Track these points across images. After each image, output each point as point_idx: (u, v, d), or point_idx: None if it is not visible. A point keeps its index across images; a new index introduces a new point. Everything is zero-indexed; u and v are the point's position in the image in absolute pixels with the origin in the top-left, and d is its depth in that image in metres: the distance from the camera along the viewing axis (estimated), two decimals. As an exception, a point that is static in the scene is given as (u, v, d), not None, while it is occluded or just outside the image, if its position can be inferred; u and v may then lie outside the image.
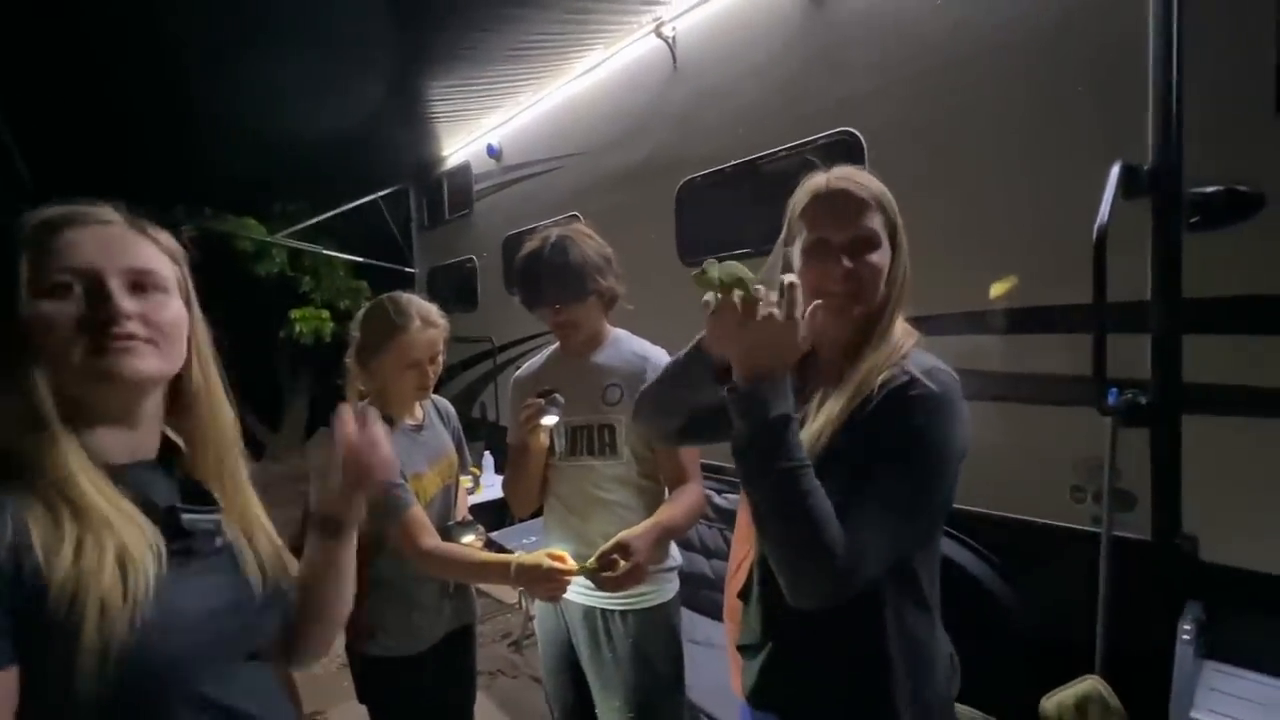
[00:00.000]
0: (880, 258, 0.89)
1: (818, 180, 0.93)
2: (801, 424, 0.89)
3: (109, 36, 2.96)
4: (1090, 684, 1.46)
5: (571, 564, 1.33)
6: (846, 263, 0.88)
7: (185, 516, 0.69)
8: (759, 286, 0.81)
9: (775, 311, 0.79)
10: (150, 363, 0.67)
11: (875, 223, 0.89)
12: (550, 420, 1.42)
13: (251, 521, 0.79)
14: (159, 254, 0.76)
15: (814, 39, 2.39)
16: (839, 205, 0.90)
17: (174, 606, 0.63)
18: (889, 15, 2.14)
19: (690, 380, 0.99)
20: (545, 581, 1.30)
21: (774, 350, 0.80)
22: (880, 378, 0.85)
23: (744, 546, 1.13)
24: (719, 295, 0.81)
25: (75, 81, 3.35)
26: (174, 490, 0.73)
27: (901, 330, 0.92)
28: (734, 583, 1.16)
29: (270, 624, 0.78)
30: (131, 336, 0.65)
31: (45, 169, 4.45)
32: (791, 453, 0.78)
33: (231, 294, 6.76)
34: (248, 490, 0.82)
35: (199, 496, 0.74)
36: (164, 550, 0.64)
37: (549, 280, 1.43)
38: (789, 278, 0.82)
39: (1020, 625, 1.81)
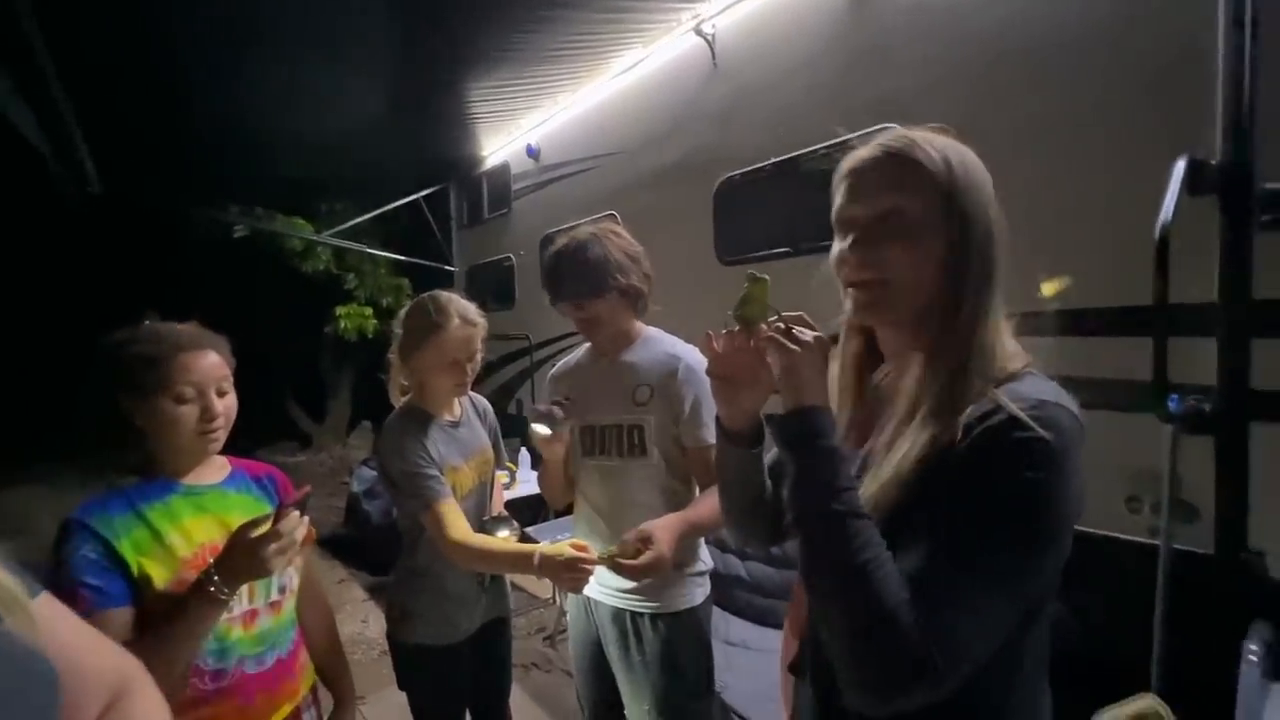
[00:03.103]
0: (919, 239, 0.69)
1: (859, 149, 0.76)
2: (864, 470, 0.74)
3: (172, 45, 3.10)
4: (1148, 702, 1.39)
5: (594, 553, 1.33)
6: (858, 250, 0.71)
7: None
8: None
9: (806, 333, 0.73)
10: None
11: (918, 195, 0.69)
12: (542, 430, 1.45)
13: None
14: None
15: (858, 34, 2.34)
16: (866, 175, 0.72)
17: None
18: (937, 8, 2.08)
19: (730, 462, 0.88)
20: (568, 570, 1.31)
21: (810, 372, 0.71)
22: (968, 415, 0.65)
23: (801, 609, 0.95)
24: (752, 323, 0.76)
25: (139, 86, 3.52)
26: None
27: (1007, 349, 0.71)
28: (786, 649, 1.03)
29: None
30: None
31: (110, 171, 4.69)
32: (842, 493, 0.65)
33: (281, 291, 7.06)
34: None
35: None
36: None
37: (569, 276, 1.44)
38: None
39: (1069, 639, 1.74)
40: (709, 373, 0.83)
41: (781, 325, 0.74)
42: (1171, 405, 1.46)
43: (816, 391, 0.71)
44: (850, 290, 0.75)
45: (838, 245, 0.76)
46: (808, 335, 0.73)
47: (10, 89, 2.95)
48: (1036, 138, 1.82)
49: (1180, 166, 1.41)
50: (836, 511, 0.64)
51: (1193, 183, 1.43)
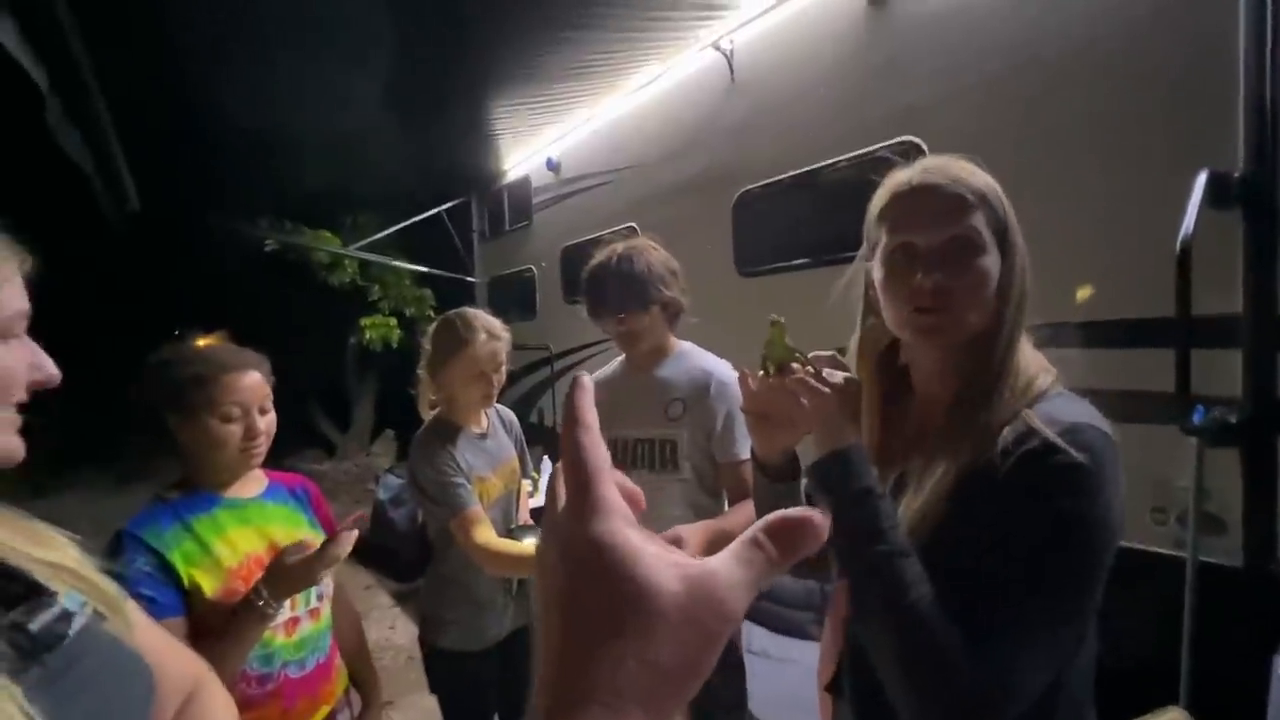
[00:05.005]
0: (984, 265, 0.71)
1: (900, 175, 0.76)
2: (899, 494, 0.75)
3: (206, 63, 3.22)
4: (1175, 715, 1.38)
5: None
6: (931, 276, 0.71)
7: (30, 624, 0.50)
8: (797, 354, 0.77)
9: (837, 376, 0.73)
10: None
11: (976, 222, 0.71)
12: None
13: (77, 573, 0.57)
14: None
15: (875, 47, 2.36)
16: (927, 202, 0.73)
17: None
18: (954, 21, 2.09)
19: (767, 497, 0.88)
20: None
21: (842, 415, 0.72)
22: (1003, 438, 0.66)
23: (837, 628, 0.96)
24: (790, 365, 0.76)
25: (175, 104, 3.65)
26: None
27: (1034, 366, 0.73)
28: (823, 669, 1.05)
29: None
30: None
31: (148, 188, 4.86)
32: (884, 534, 0.66)
33: (307, 302, 7.23)
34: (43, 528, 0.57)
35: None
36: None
37: (613, 290, 1.46)
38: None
39: (1096, 651, 1.72)
40: (744, 410, 0.84)
41: (811, 369, 0.75)
42: (1196, 417, 1.45)
43: (849, 433, 0.72)
44: (914, 314, 0.73)
45: (895, 269, 0.75)
46: (838, 377, 0.74)
47: (61, 112, 3.09)
48: (1056, 148, 1.82)
49: (1202, 179, 1.41)
50: (880, 553, 0.65)
51: (1215, 196, 1.43)
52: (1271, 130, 1.41)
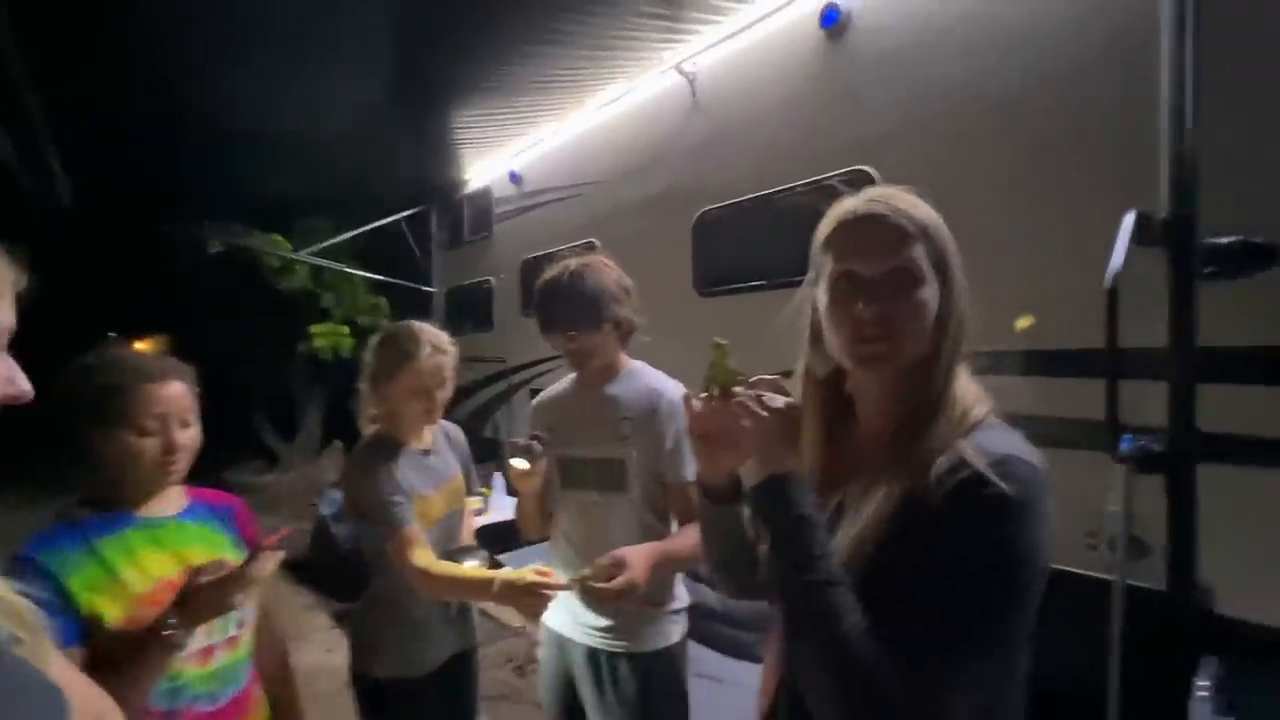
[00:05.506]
0: (924, 295, 0.73)
1: (846, 205, 0.78)
2: (838, 520, 0.76)
3: (146, 59, 3.09)
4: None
5: (558, 579, 1.31)
6: (872, 306, 0.72)
7: None
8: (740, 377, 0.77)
9: (775, 400, 0.74)
10: None
11: (917, 253, 0.73)
12: (520, 464, 1.43)
13: None
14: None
15: (832, 79, 2.44)
16: (870, 232, 0.74)
17: None
18: (907, 58, 2.18)
19: (710, 518, 0.89)
20: (527, 596, 1.29)
21: (780, 439, 0.73)
22: (937, 467, 0.67)
23: (778, 665, 0.95)
24: (733, 388, 0.76)
25: (114, 97, 3.48)
26: None
27: (970, 396, 0.74)
28: (761, 701, 1.04)
29: None
30: None
31: (82, 184, 4.60)
32: (817, 561, 0.67)
33: (256, 308, 6.96)
34: None
35: None
36: None
37: (564, 307, 1.44)
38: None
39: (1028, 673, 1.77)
40: (689, 433, 0.83)
41: (753, 392, 0.75)
42: (1124, 445, 1.51)
43: (787, 458, 0.73)
44: (855, 342, 0.75)
45: (838, 297, 0.76)
46: (778, 402, 0.75)
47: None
48: (999, 184, 1.90)
49: (1129, 219, 1.49)
50: (814, 581, 0.67)
51: (1142, 234, 1.51)
52: (1192, 174, 1.50)
